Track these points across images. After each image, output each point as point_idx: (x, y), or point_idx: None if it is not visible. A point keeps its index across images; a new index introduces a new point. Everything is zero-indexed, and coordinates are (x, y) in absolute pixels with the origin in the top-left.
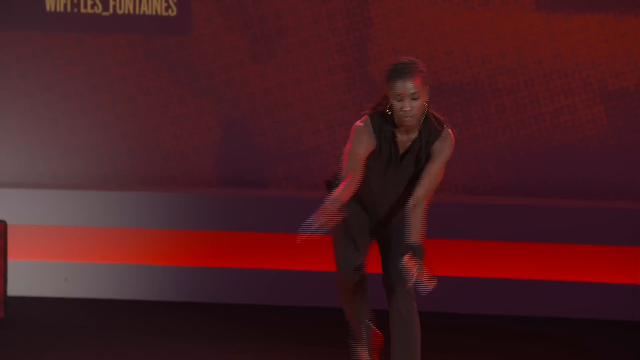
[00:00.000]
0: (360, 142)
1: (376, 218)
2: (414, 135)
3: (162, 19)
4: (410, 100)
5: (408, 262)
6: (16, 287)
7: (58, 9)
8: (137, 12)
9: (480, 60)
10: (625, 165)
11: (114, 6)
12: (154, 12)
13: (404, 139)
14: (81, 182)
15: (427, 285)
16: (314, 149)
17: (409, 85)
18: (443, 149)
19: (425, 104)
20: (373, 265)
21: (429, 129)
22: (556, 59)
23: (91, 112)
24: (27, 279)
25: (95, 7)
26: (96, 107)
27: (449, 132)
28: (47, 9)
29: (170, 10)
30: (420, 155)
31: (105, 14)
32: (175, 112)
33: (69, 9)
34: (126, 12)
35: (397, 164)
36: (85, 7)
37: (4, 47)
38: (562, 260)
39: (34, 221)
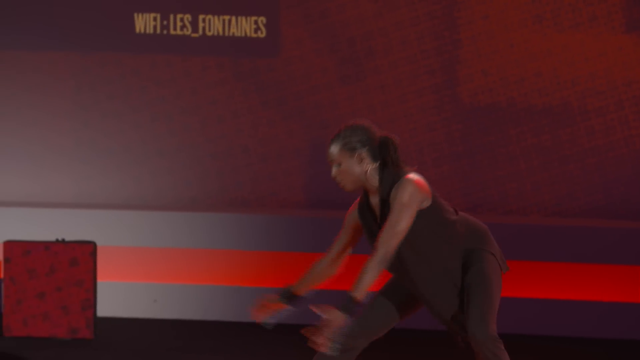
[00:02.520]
0: (347, 220)
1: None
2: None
3: (251, 41)
4: (334, 165)
5: (329, 311)
6: (105, 308)
7: (147, 31)
8: (226, 33)
9: (570, 83)
10: None
11: (203, 28)
12: (243, 34)
13: (374, 204)
14: (170, 203)
15: (318, 343)
16: None
17: (329, 151)
18: (396, 195)
19: (368, 166)
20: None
21: (388, 186)
22: None
23: (180, 134)
24: (117, 300)
25: (185, 29)
26: (185, 129)
27: (405, 178)
28: (137, 30)
29: (259, 32)
30: (386, 215)
31: (194, 35)
32: (264, 134)
33: (158, 30)
34: (215, 33)
35: (376, 229)
36: (175, 28)
37: (93, 68)
38: None
39: (123, 242)
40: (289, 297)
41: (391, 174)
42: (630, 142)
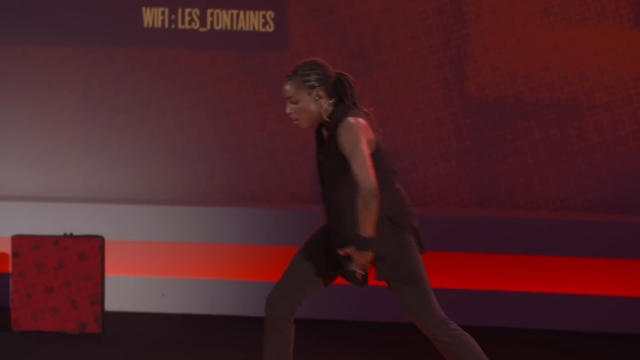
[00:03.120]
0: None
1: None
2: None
3: (259, 35)
4: (290, 103)
5: (352, 254)
6: (113, 303)
7: (155, 25)
8: (234, 28)
9: (578, 77)
10: None
11: (212, 22)
12: (251, 28)
13: (326, 135)
14: (178, 198)
15: (357, 278)
16: (411, 165)
17: (286, 89)
18: (342, 137)
19: (325, 104)
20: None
21: (335, 123)
22: None
23: (188, 129)
24: (125, 295)
25: (193, 23)
26: (193, 124)
27: (345, 119)
28: (145, 25)
29: (267, 27)
30: (330, 151)
31: (202, 30)
32: (272, 128)
33: (166, 25)
34: (223, 28)
35: (320, 161)
36: (183, 23)
37: (101, 63)
38: None
39: (131, 237)
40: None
41: (340, 113)
42: (639, 136)
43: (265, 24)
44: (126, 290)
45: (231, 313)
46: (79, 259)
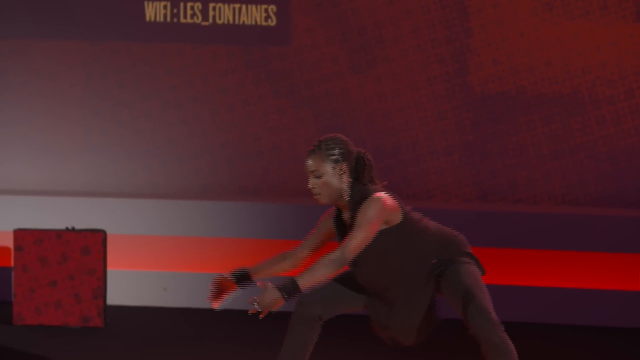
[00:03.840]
0: (320, 225)
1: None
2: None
3: (261, 29)
4: (313, 177)
5: (268, 288)
6: (115, 297)
7: (158, 19)
8: (236, 22)
9: (580, 71)
10: None
11: (214, 16)
12: (253, 22)
13: (347, 218)
14: (180, 192)
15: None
16: (413, 159)
17: (309, 163)
18: (363, 211)
19: (346, 181)
20: None
21: (357, 202)
22: None
23: (190, 123)
24: (127, 289)
25: (195, 17)
26: (195, 118)
27: (374, 196)
28: (147, 19)
29: (269, 21)
30: None
31: (204, 24)
32: (275, 122)
33: (168, 19)
34: (226, 22)
35: None
36: (185, 17)
37: (104, 57)
38: None
39: (134, 231)
40: (243, 279)
41: (361, 191)
42: None
43: (267, 17)
44: (128, 284)
45: (233, 307)
46: (82, 252)
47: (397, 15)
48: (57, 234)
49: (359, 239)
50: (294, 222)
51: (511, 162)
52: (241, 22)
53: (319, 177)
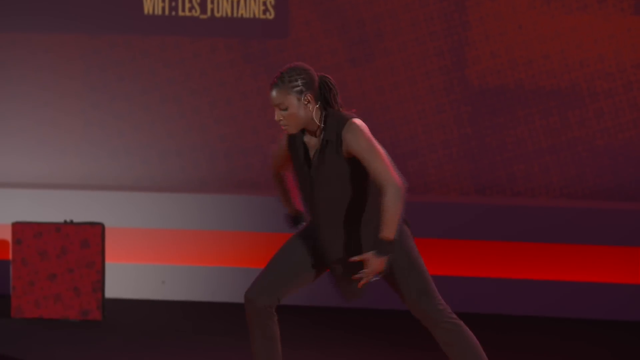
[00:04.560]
0: (278, 147)
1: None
2: (318, 137)
3: (259, 22)
4: (279, 110)
5: (369, 259)
6: (114, 290)
7: (156, 12)
8: (234, 15)
9: (579, 64)
10: None
11: (212, 9)
12: (251, 15)
13: (312, 143)
14: (179, 185)
15: (365, 280)
16: (412, 152)
17: (273, 96)
18: (355, 140)
19: (313, 108)
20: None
21: (331, 128)
22: None
23: (189, 116)
24: (125, 282)
25: (193, 11)
26: (194, 111)
27: (351, 122)
28: (145, 12)
29: (268, 14)
30: (329, 156)
31: (203, 17)
32: (273, 115)
33: (167, 12)
34: (224, 15)
35: (310, 166)
36: (183, 10)
37: (102, 50)
38: None
39: (132, 224)
40: (300, 218)
41: (335, 116)
42: (639, 123)
43: (265, 11)
44: (127, 278)
45: (231, 300)
46: (82, 246)
47: (396, 9)
48: (57, 227)
49: (382, 162)
50: None
51: (509, 156)
52: (239, 15)
53: (285, 109)
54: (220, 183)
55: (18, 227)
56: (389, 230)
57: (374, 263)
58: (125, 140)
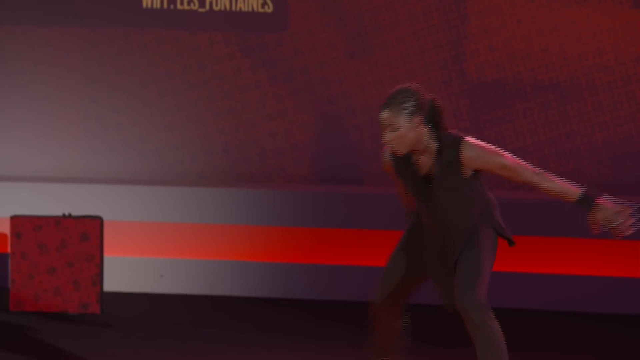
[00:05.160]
0: (383, 164)
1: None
2: (429, 157)
3: (258, 16)
4: (389, 131)
5: (596, 218)
6: (112, 283)
7: (155, 6)
8: (233, 8)
9: (577, 58)
10: None
11: (211, 3)
12: (250, 9)
13: (422, 162)
14: (177, 178)
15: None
16: None
17: (383, 116)
18: (472, 157)
19: (424, 129)
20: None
21: (449, 148)
22: None
23: (187, 109)
24: (123, 275)
25: (192, 4)
26: (192, 104)
27: (465, 142)
28: (144, 5)
29: (266, 7)
30: (445, 176)
31: (201, 10)
32: (272, 109)
33: (165, 5)
34: (222, 8)
35: (428, 184)
36: (182, 3)
37: (100, 43)
38: None
39: (130, 217)
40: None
41: (449, 137)
42: (638, 117)
43: (264, 4)
44: (125, 271)
45: (230, 293)
46: (81, 239)
47: (394, 2)
48: (56, 220)
49: (521, 166)
50: (290, 208)
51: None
52: (238, 8)
53: (395, 130)
54: (219, 176)
55: (17, 221)
56: (572, 193)
57: (601, 213)
58: (124, 134)
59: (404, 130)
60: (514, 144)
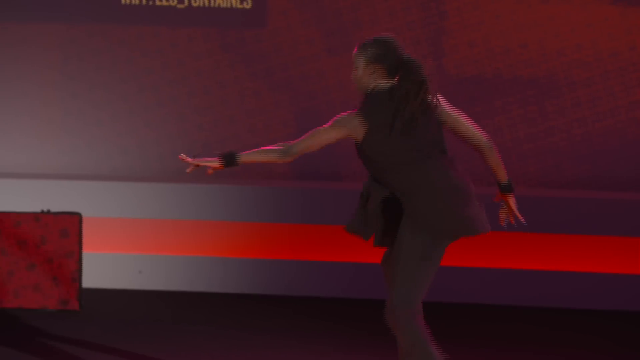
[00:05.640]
0: None
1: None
2: None
3: (237, 12)
4: (353, 70)
5: (507, 200)
6: (91, 279)
7: (133, 2)
8: (212, 4)
9: (556, 54)
10: None
11: None
12: (229, 5)
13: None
14: (156, 174)
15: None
16: None
17: (353, 55)
18: (442, 103)
19: (375, 81)
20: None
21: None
22: (632, 52)
23: (167, 105)
24: (102, 271)
25: (171, 0)
26: (172, 100)
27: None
28: (123, 1)
29: (245, 3)
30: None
31: (180, 6)
32: (251, 105)
33: (144, 1)
34: (201, 4)
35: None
36: None
37: (80, 40)
38: None
39: (110, 213)
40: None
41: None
42: (617, 113)
43: (243, 0)
44: (104, 267)
45: (209, 290)
46: (61, 235)
47: None
48: (36, 216)
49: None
50: (269, 204)
51: None
52: (217, 4)
53: (356, 70)
54: (199, 172)
55: None
56: (505, 172)
57: (512, 199)
58: (104, 130)
59: (359, 72)
60: (493, 140)
